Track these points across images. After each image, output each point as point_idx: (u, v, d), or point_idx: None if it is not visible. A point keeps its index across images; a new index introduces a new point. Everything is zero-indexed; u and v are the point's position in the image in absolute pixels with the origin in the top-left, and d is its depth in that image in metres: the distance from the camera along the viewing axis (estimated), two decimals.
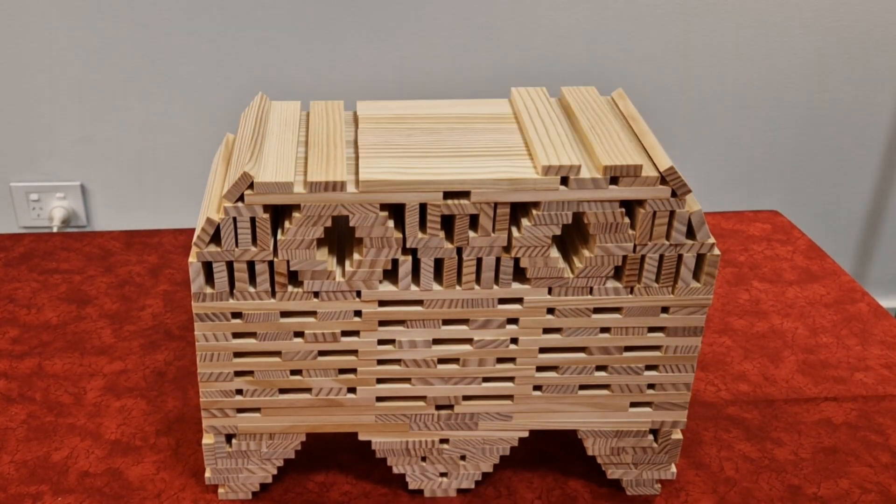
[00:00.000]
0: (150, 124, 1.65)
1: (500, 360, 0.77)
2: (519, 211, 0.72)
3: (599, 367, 0.77)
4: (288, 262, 0.71)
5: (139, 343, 1.02)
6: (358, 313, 0.74)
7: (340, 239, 0.76)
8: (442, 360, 0.76)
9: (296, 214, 0.70)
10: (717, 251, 0.72)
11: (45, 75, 1.59)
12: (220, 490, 0.82)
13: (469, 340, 0.76)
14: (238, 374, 0.76)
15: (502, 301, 0.74)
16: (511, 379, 0.77)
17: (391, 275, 0.74)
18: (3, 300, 1.08)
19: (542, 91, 0.81)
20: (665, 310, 0.75)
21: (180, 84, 1.61)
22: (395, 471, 0.82)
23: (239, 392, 0.77)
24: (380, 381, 0.77)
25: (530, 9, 1.57)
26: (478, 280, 0.74)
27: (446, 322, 0.75)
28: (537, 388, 0.78)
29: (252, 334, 0.75)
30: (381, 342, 0.75)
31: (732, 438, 0.90)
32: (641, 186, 0.70)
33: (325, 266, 0.72)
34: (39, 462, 0.86)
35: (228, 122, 1.63)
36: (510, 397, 0.78)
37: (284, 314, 0.74)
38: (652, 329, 0.76)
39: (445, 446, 0.81)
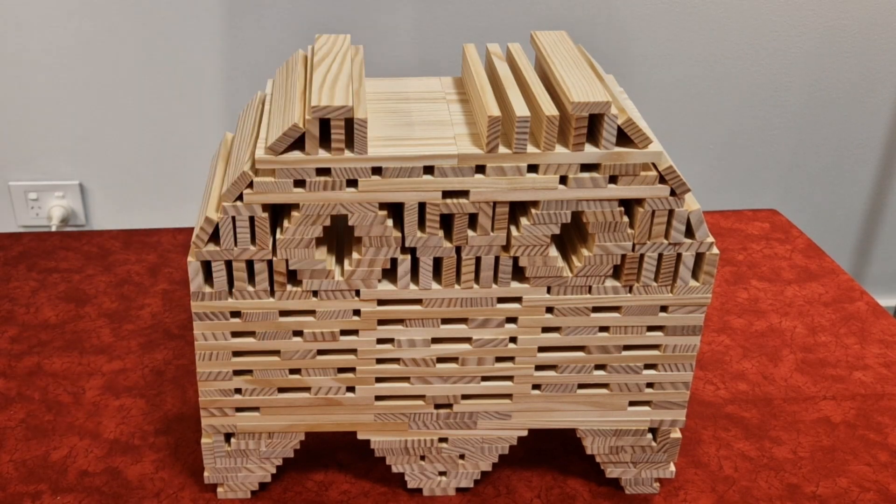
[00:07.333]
0: (149, 124, 1.65)
1: (499, 359, 0.77)
2: (518, 210, 0.72)
3: (598, 366, 0.77)
4: (287, 261, 0.71)
5: (138, 342, 1.02)
6: (357, 312, 0.74)
7: (339, 238, 0.76)
8: (441, 359, 0.76)
9: (295, 213, 0.70)
10: (715, 250, 0.73)
11: (45, 74, 1.59)
12: (219, 489, 0.82)
13: (468, 339, 0.76)
14: (237, 373, 0.76)
15: (501, 300, 0.74)
16: (510, 378, 0.77)
17: (390, 274, 0.74)
18: (2, 299, 1.08)
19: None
20: (664, 309, 0.75)
21: (180, 83, 1.61)
22: (395, 470, 0.82)
23: (238, 391, 0.77)
24: (379, 380, 0.77)
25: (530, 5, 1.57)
26: (477, 279, 0.74)
27: (445, 321, 0.75)
28: (536, 387, 0.78)
29: (251, 333, 0.75)
30: (379, 341, 0.75)
31: (731, 437, 0.90)
32: (640, 185, 0.70)
33: (324, 265, 0.72)
34: (38, 461, 0.86)
35: (228, 122, 1.63)
36: (509, 396, 0.78)
37: (283, 313, 0.74)
38: (651, 328, 0.76)
39: (444, 445, 0.81)
